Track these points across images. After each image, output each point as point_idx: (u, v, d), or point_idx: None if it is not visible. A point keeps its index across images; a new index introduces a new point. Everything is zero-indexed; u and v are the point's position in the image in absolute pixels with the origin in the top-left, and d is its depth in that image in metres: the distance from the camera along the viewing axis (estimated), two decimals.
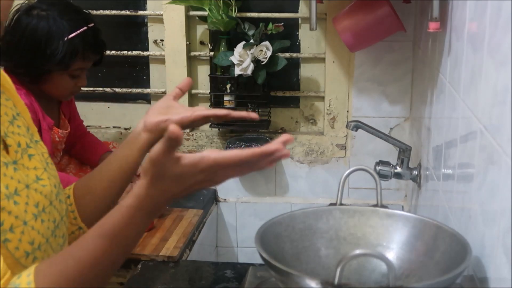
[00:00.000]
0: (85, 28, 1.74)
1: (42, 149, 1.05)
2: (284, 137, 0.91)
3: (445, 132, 1.36)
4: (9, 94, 1.04)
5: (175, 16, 2.23)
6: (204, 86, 2.33)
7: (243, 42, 2.12)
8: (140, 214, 0.89)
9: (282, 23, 2.16)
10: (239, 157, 0.88)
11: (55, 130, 1.84)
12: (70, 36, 1.71)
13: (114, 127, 2.42)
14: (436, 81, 1.53)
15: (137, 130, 1.19)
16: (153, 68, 2.35)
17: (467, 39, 1.16)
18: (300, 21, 2.25)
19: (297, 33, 2.26)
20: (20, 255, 0.88)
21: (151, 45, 2.33)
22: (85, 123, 2.12)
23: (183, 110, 1.16)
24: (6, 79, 1.05)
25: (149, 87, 2.37)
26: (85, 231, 1.14)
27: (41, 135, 1.75)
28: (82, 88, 1.86)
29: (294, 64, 2.28)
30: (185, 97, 2.29)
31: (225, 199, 2.38)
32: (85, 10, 1.83)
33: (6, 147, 0.94)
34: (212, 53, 2.25)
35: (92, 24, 1.78)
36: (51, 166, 1.05)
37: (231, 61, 2.11)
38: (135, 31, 2.35)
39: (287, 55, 2.22)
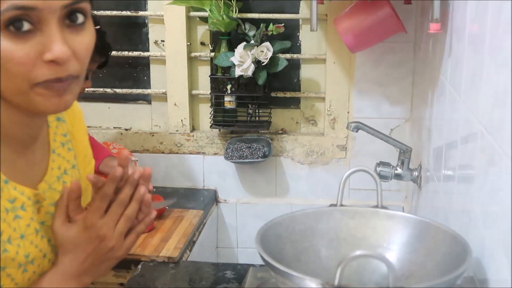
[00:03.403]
0: None
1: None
2: (122, 158, 0.95)
3: (446, 133, 1.36)
4: (75, 144, 1.06)
5: (176, 16, 2.23)
6: (204, 87, 2.33)
7: (244, 43, 2.12)
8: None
9: (283, 24, 2.16)
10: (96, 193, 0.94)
11: None
12: None
13: (114, 127, 2.42)
14: (436, 82, 1.53)
15: None
16: (154, 69, 2.35)
17: (468, 40, 1.16)
18: (300, 22, 2.25)
19: (298, 34, 2.26)
20: None
21: (151, 45, 2.33)
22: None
23: None
24: (79, 122, 1.08)
25: (149, 88, 2.37)
26: None
27: None
28: None
29: (294, 65, 2.28)
30: (186, 98, 2.30)
31: (225, 200, 2.38)
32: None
33: (39, 208, 0.96)
34: (212, 54, 2.25)
35: (99, 27, 1.78)
36: None
37: (232, 61, 2.11)
38: (135, 31, 2.35)
39: (288, 56, 2.22)
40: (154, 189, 2.00)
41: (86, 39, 0.87)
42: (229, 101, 2.22)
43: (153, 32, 2.32)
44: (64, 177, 1.01)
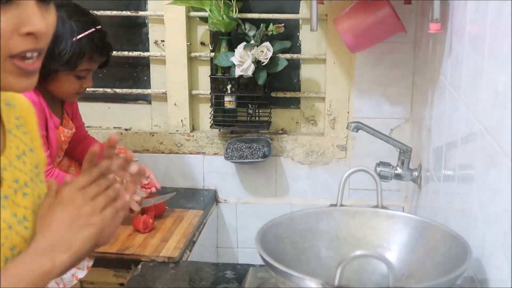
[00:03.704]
0: (93, 30, 1.75)
1: (42, 190, 1.06)
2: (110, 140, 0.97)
3: (446, 133, 1.36)
4: (29, 128, 1.05)
5: (176, 16, 2.23)
6: (204, 87, 2.33)
7: (244, 43, 2.12)
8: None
9: (283, 24, 2.16)
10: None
11: (61, 129, 1.85)
12: (78, 37, 1.72)
13: (114, 127, 2.42)
14: (436, 82, 1.53)
15: None
16: (154, 69, 2.35)
17: (468, 40, 1.16)
18: (300, 22, 2.25)
19: (298, 34, 2.26)
20: None
21: (151, 45, 2.33)
22: (85, 124, 2.12)
23: None
24: (30, 113, 1.07)
25: (149, 88, 2.37)
26: None
27: (47, 134, 1.76)
28: None
29: (294, 65, 2.28)
30: (186, 98, 2.30)
31: (225, 200, 2.38)
32: (92, 13, 1.84)
33: (1, 181, 0.95)
34: (212, 54, 2.25)
35: (100, 27, 1.79)
36: None
37: (232, 61, 2.11)
38: (135, 31, 2.35)
39: (288, 56, 2.22)
40: (155, 190, 2.00)
41: (52, 18, 0.90)
42: (229, 101, 2.22)
43: (153, 32, 2.32)
44: (23, 157, 1.01)
